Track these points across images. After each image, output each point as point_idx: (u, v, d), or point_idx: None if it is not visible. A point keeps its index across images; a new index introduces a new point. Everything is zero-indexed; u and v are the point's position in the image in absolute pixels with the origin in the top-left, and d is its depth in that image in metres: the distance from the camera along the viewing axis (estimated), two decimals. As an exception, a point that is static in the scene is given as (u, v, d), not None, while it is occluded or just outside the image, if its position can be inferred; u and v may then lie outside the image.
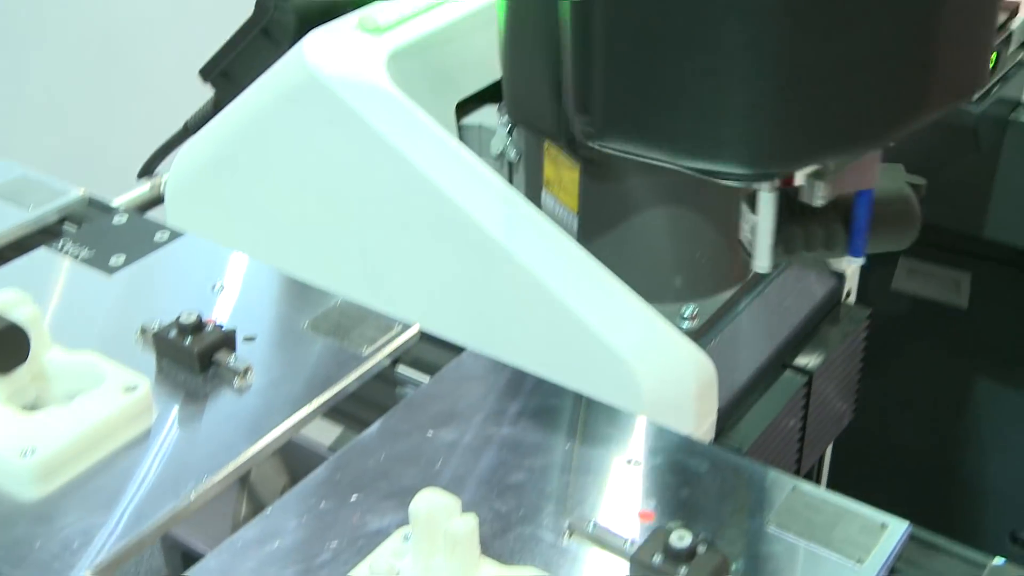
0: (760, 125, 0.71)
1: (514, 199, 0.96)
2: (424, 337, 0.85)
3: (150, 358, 0.79)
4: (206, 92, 1.21)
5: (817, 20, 0.68)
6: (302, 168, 1.05)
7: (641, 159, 0.77)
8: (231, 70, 1.15)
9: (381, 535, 0.66)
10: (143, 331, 0.80)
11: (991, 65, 1.22)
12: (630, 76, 0.72)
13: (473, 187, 0.96)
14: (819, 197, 0.80)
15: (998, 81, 1.26)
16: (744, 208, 0.83)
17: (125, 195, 1.19)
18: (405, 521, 0.64)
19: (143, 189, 1.21)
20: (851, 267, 1.18)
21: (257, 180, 1.09)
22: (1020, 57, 1.28)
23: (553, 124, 0.96)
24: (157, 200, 1.20)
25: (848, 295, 1.19)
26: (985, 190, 1.34)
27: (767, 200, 0.80)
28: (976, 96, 1.23)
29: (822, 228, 0.84)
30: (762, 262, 0.83)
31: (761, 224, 0.81)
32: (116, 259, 0.90)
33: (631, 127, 0.75)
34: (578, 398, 0.77)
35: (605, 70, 0.73)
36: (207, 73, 1.17)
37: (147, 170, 1.25)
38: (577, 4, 0.72)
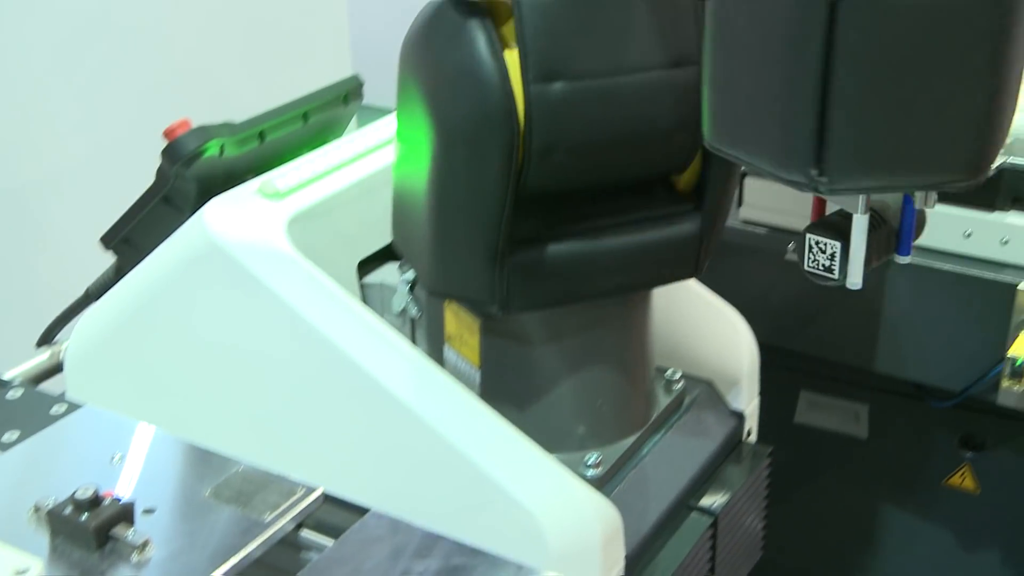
0: (987, 133, 0.78)
1: (415, 357, 0.98)
2: (328, 499, 0.85)
3: (44, 538, 0.78)
4: (108, 259, 1.21)
5: (1018, 35, 0.76)
6: (205, 334, 1.05)
7: (869, 192, 0.80)
8: (133, 237, 1.16)
9: None
10: (37, 509, 0.79)
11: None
12: (875, 113, 0.75)
13: (374, 347, 0.97)
14: (933, 201, 0.90)
15: (875, 223, 1.33)
16: (816, 241, 0.88)
17: (20, 366, 1.17)
18: None
19: (41, 358, 1.20)
20: (751, 406, 1.22)
21: (160, 347, 1.08)
22: (893, 200, 1.35)
23: (487, 291, 0.95)
24: (56, 369, 1.19)
25: (749, 434, 1.22)
26: (873, 327, 1.40)
27: (861, 222, 0.87)
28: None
29: (884, 237, 0.91)
30: (857, 279, 0.89)
31: (856, 245, 0.87)
32: (9, 435, 0.89)
33: (872, 162, 0.77)
34: (483, 555, 0.78)
35: (850, 114, 0.75)
36: (109, 240, 1.18)
37: (46, 338, 1.24)
38: (812, 54, 0.73)
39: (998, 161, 1.29)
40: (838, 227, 0.87)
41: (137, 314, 1.09)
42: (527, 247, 0.95)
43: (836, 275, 0.88)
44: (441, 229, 0.95)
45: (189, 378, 1.06)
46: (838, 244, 0.87)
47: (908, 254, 0.92)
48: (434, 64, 0.91)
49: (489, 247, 0.92)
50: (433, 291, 1.01)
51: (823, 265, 0.89)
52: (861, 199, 0.84)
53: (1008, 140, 1.34)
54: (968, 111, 0.76)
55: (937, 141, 0.76)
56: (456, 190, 0.92)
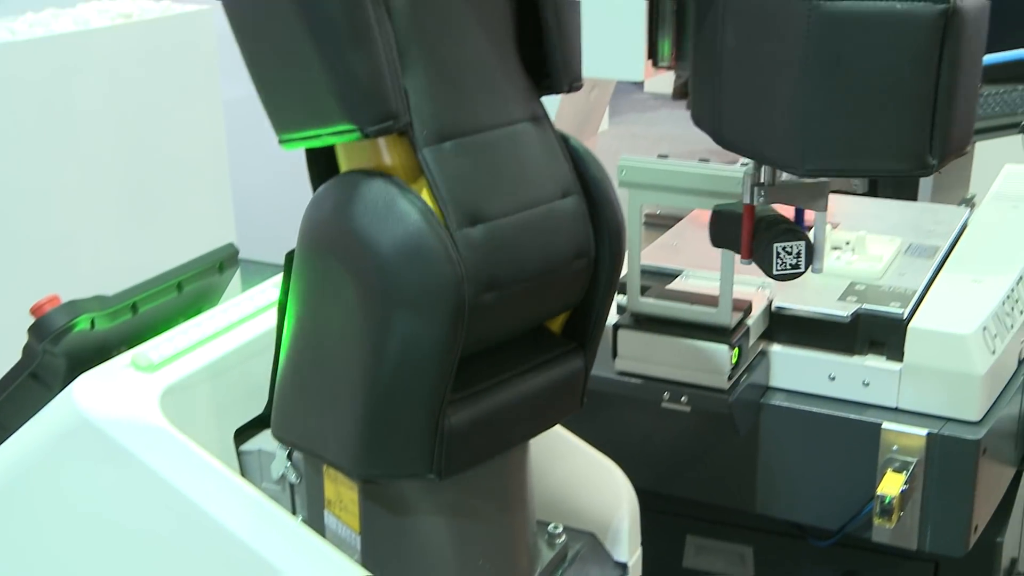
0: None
1: (293, 527, 0.97)
2: None
3: None
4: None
5: None
6: (76, 513, 1.02)
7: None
8: (-2, 415, 1.13)
9: None
10: None
11: (735, 360, 1.34)
12: (958, 105, 0.98)
13: (251, 518, 0.96)
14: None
15: (745, 370, 1.37)
16: (783, 247, 1.11)
17: None
18: None
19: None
20: (634, 557, 1.23)
21: (27, 530, 1.05)
22: (760, 348, 1.41)
23: (424, 462, 0.94)
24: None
25: (634, 585, 1.22)
26: (751, 469, 1.43)
27: (823, 217, 1.13)
28: (728, 386, 1.35)
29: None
30: (822, 265, 1.14)
31: (818, 236, 1.13)
32: None
33: (957, 143, 0.99)
34: None
35: (948, 109, 0.97)
36: (-27, 419, 1.14)
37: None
38: (933, 66, 0.95)
39: (854, 307, 1.36)
40: (794, 232, 1.10)
41: (2, 495, 1.06)
42: (456, 409, 0.95)
43: (803, 268, 1.11)
44: (378, 407, 0.92)
45: (59, 558, 1.03)
46: (803, 243, 1.11)
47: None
48: (365, 243, 0.89)
49: (432, 414, 0.92)
50: (364, 476, 0.97)
51: (790, 264, 1.11)
52: (826, 198, 1.11)
53: (861, 288, 1.42)
54: (975, 96, 1.04)
55: (972, 120, 1.03)
56: (400, 363, 0.90)
